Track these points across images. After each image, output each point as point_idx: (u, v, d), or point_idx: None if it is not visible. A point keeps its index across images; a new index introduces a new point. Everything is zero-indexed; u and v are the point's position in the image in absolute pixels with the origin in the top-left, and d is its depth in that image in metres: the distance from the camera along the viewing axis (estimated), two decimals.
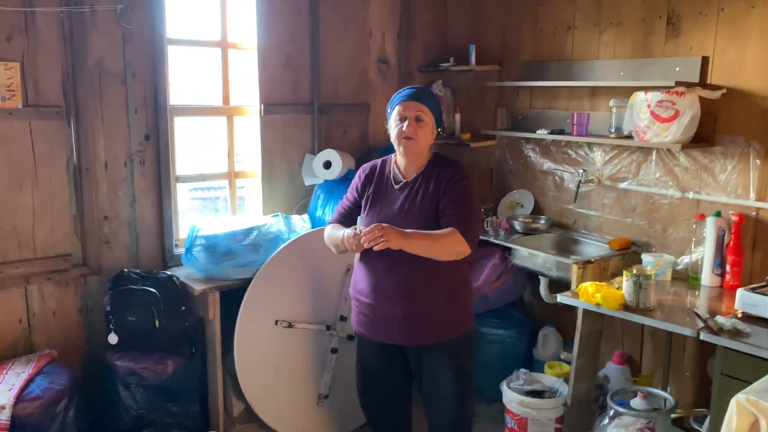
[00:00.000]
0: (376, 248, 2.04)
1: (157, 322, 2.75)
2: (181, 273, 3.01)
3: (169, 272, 2.97)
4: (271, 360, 2.98)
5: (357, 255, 2.22)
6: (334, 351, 3.12)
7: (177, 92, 3.19)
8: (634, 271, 2.47)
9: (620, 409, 2.44)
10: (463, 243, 2.15)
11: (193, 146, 3.42)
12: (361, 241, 2.06)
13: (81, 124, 2.84)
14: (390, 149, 3.59)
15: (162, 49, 3.01)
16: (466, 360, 2.36)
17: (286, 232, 3.09)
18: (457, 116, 3.88)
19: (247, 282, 2.90)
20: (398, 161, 2.34)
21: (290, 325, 2.99)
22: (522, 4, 3.55)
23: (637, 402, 2.45)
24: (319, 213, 3.36)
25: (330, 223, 2.45)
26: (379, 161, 2.42)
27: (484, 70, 3.69)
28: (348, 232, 2.16)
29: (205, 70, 3.38)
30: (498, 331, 3.43)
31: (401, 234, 2.08)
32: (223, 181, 3.48)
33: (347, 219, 2.39)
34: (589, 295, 2.58)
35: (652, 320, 2.41)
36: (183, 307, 2.89)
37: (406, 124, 2.20)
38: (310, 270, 3.04)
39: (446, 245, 2.14)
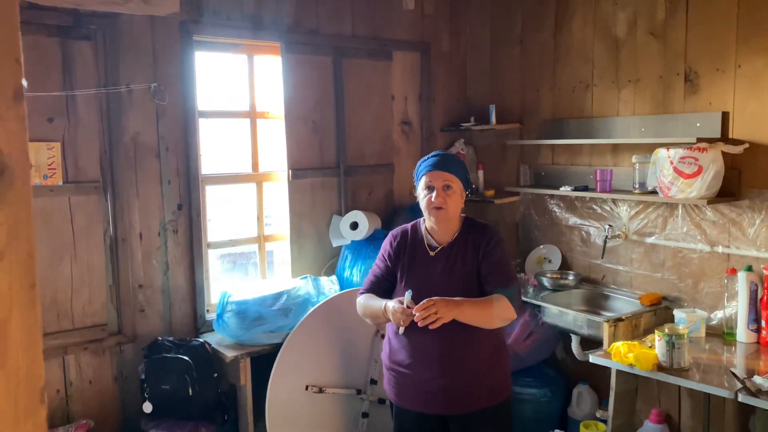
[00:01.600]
0: (431, 327, 2.02)
1: (190, 390, 2.78)
2: (212, 339, 3.05)
3: (201, 339, 3.03)
4: (302, 425, 2.97)
5: (401, 329, 2.15)
6: (365, 415, 3.11)
7: (208, 162, 3.32)
8: (666, 331, 2.44)
9: None
10: (511, 309, 2.15)
11: (224, 211, 3.51)
12: (415, 318, 2.02)
13: (117, 197, 2.96)
14: (415, 207, 3.70)
15: (193, 122, 3.15)
16: (507, 424, 2.32)
17: (315, 295, 3.13)
18: (480, 173, 3.93)
19: (277, 347, 2.94)
20: (430, 227, 2.31)
21: (321, 390, 3.00)
22: (539, 64, 3.63)
23: None
24: (347, 274, 3.40)
25: (363, 292, 2.36)
26: (408, 226, 2.38)
27: (505, 128, 3.75)
28: (393, 305, 2.11)
29: (236, 139, 3.51)
30: (531, 390, 3.38)
31: (453, 304, 2.06)
32: (253, 245, 3.55)
33: (381, 287, 2.33)
34: (621, 355, 2.54)
35: (687, 381, 2.37)
36: (215, 374, 2.92)
37: (434, 194, 2.19)
38: (339, 333, 3.06)
39: (496, 312, 2.14)
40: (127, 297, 3.01)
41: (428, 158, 2.30)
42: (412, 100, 3.90)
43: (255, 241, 3.54)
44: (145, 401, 2.81)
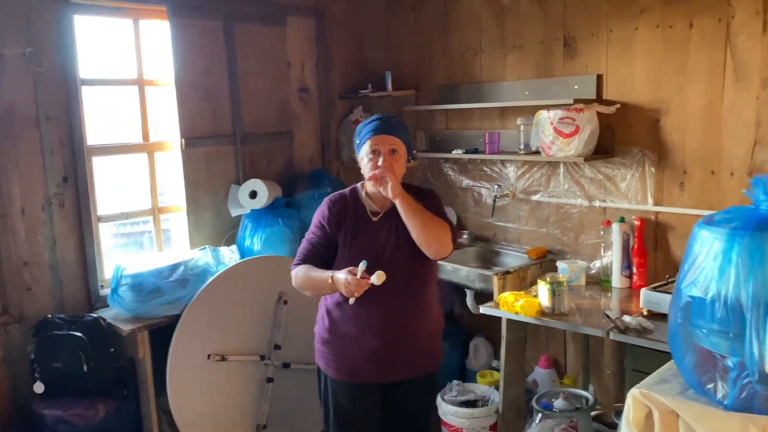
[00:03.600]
0: (381, 187, 2.08)
1: (85, 366, 2.71)
2: (108, 314, 2.97)
3: (95, 314, 2.93)
4: (206, 395, 2.97)
5: (352, 299, 2.06)
6: (270, 380, 3.14)
7: (96, 132, 3.17)
8: (548, 279, 2.62)
9: (542, 411, 2.57)
10: (449, 237, 2.15)
11: (115, 183, 3.38)
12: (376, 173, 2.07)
13: None
14: (316, 175, 3.73)
15: (75, 90, 3.00)
16: (436, 389, 2.42)
17: (214, 265, 3.10)
18: None
19: (176, 318, 2.90)
20: (371, 192, 2.23)
21: (223, 358, 3.00)
22: (432, 31, 3.72)
23: (559, 403, 2.59)
24: (247, 243, 3.38)
25: (297, 264, 2.24)
26: (347, 192, 2.30)
27: (401, 95, 3.83)
28: (345, 276, 2.02)
29: (124, 109, 3.37)
30: None
31: (401, 189, 2.09)
32: (148, 217, 3.45)
33: (319, 257, 2.22)
34: (509, 304, 2.72)
35: (566, 324, 2.57)
36: (112, 349, 2.85)
37: (381, 159, 2.12)
38: (240, 301, 3.06)
39: (436, 228, 2.13)
40: (11, 275, 2.86)
41: (371, 121, 2.20)
42: (308, 67, 3.88)
43: (149, 214, 3.44)
44: (36, 381, 2.70)
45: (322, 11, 3.89)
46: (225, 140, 3.52)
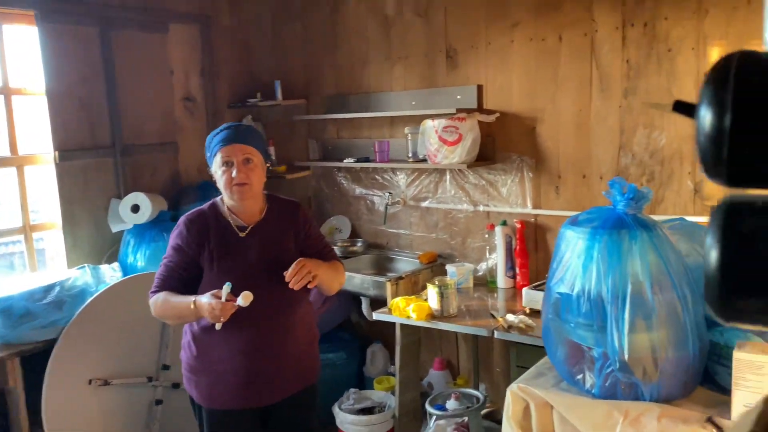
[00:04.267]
0: (310, 286, 2.01)
1: None
2: None
3: None
4: (88, 423, 2.80)
5: (219, 325, 1.92)
6: (158, 402, 3.01)
7: None
8: (437, 282, 2.69)
9: (435, 412, 2.63)
10: (344, 274, 2.25)
11: None
12: (290, 284, 1.94)
13: None
14: (205, 186, 3.62)
15: None
16: (317, 402, 2.31)
17: (93, 284, 2.93)
18: (272, 149, 3.94)
19: (53, 343, 2.71)
20: (233, 207, 2.11)
21: (106, 383, 2.84)
22: (320, 41, 3.73)
23: (451, 403, 2.66)
24: (131, 259, 3.23)
25: (155, 291, 2.07)
26: (205, 208, 2.13)
27: (291, 104, 3.81)
28: (209, 301, 1.88)
29: None
30: (329, 354, 3.52)
31: (314, 263, 2.03)
32: (19, 236, 3.21)
33: (179, 282, 2.06)
34: (401, 309, 2.76)
35: (454, 325, 2.65)
36: None
37: (234, 169, 2.01)
38: (123, 321, 2.90)
39: (340, 275, 2.22)
40: None
41: (220, 131, 2.08)
42: (193, 76, 3.78)
43: (20, 232, 3.19)
44: None
45: (207, 18, 3.80)
46: (103, 152, 3.34)
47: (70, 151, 3.20)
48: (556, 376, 1.76)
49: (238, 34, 3.99)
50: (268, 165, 2.16)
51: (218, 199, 2.16)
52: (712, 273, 0.51)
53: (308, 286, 2.01)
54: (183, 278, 2.06)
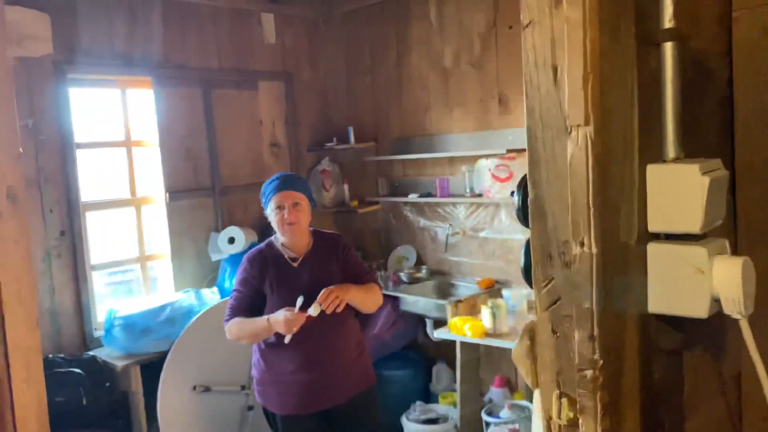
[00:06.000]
0: (338, 310, 2.29)
1: (84, 400, 3.02)
2: (102, 353, 3.30)
3: (92, 353, 3.26)
4: (193, 423, 3.29)
5: (289, 337, 2.27)
6: (250, 408, 3.47)
7: (89, 189, 3.56)
8: (489, 304, 3.04)
9: (489, 419, 2.95)
10: (380, 294, 2.56)
11: (107, 234, 3.75)
12: (323, 306, 2.25)
13: None
14: None
15: (71, 153, 3.39)
16: (378, 404, 2.66)
17: (197, 305, 3.46)
18: (346, 186, 4.44)
19: (165, 354, 3.24)
20: (285, 242, 2.50)
21: (207, 389, 3.33)
22: (387, 90, 4.21)
23: (504, 412, 2.97)
24: (227, 284, 3.75)
25: (230, 319, 2.44)
26: (263, 246, 2.54)
27: (362, 147, 4.29)
28: (285, 314, 2.24)
29: (114, 167, 3.77)
30: (397, 372, 3.90)
31: (343, 288, 2.34)
32: (136, 264, 3.81)
33: (250, 310, 2.42)
34: (458, 328, 3.12)
35: (505, 342, 2.98)
36: (107, 383, 3.17)
37: (286, 212, 2.42)
38: (221, 337, 3.37)
39: (374, 294, 2.51)
40: None
41: (273, 181, 2.50)
42: (279, 124, 4.34)
43: (137, 261, 3.80)
44: None
45: (290, 74, 4.37)
46: (205, 193, 3.93)
47: (178, 192, 3.80)
48: None
49: (316, 86, 4.54)
50: (313, 206, 2.55)
51: (272, 237, 2.56)
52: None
53: (336, 310, 2.30)
54: (251, 304, 2.44)
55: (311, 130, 4.51)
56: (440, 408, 3.61)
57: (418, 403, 3.60)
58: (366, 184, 4.42)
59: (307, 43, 4.49)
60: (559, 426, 0.80)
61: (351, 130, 4.26)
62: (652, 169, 0.76)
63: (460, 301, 3.46)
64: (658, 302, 0.78)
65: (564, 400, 0.79)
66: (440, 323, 3.63)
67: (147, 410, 3.24)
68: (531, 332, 0.93)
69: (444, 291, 3.93)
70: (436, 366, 4.01)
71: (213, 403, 3.37)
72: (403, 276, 3.99)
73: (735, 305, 0.74)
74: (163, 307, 3.37)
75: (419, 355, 4.10)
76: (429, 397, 3.94)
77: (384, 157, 4.21)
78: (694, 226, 0.73)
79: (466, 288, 3.80)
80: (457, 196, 3.76)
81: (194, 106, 3.88)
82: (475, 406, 3.50)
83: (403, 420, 3.52)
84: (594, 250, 0.74)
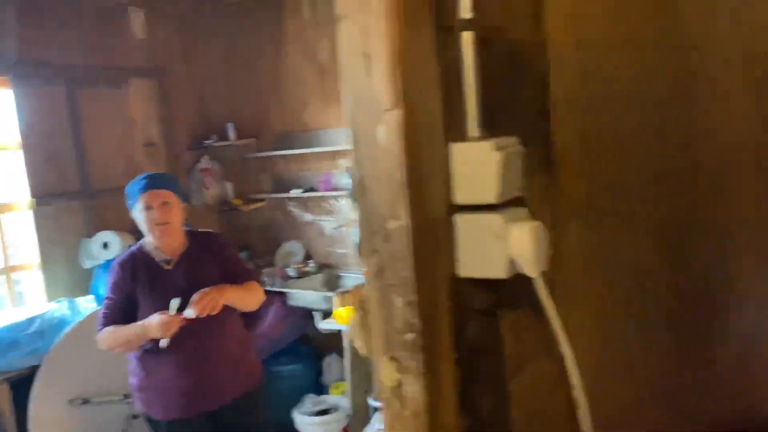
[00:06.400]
0: (213, 312, 2.22)
1: None
2: None
3: None
4: None
5: (166, 341, 2.19)
6: (135, 417, 3.35)
7: None
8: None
9: (378, 405, 3.04)
10: (261, 290, 2.50)
11: None
12: (196, 311, 2.17)
13: None
14: None
15: None
16: (266, 401, 2.65)
17: (70, 315, 3.29)
18: (229, 184, 4.37)
19: (36, 369, 3.06)
20: (156, 244, 2.38)
21: (87, 401, 3.18)
22: (266, 85, 4.19)
23: None
24: (102, 291, 3.59)
25: (102, 327, 2.32)
26: (134, 250, 2.43)
27: (244, 143, 4.24)
28: (160, 317, 2.18)
29: None
30: (288, 366, 3.91)
31: (219, 290, 2.26)
32: (0, 277, 3.56)
33: (124, 317, 2.31)
34: (343, 318, 3.18)
35: None
36: None
37: (155, 212, 2.30)
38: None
39: (254, 292, 2.44)
40: None
41: (140, 181, 2.38)
42: (153, 123, 4.19)
43: (2, 273, 3.55)
44: None
45: (163, 70, 4.23)
46: (74, 196, 3.73)
47: (45, 197, 3.58)
48: None
49: (192, 82, 4.43)
50: (184, 204, 2.45)
51: (142, 240, 2.43)
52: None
53: (212, 312, 2.24)
54: (124, 310, 2.32)
55: (189, 128, 4.40)
56: (331, 399, 3.66)
57: (309, 395, 3.63)
58: (249, 181, 4.38)
59: (179, 37, 4.36)
60: (389, 388, 0.87)
61: (231, 126, 4.20)
62: (455, 148, 0.84)
63: (347, 291, 3.53)
64: (466, 267, 0.86)
65: (391, 364, 0.85)
66: (329, 315, 3.69)
67: (19, 430, 3.04)
68: (363, 305, 0.99)
69: (332, 283, 3.98)
70: (327, 358, 4.06)
71: (93, 415, 3.22)
72: (291, 271, 4.00)
73: (527, 265, 0.84)
74: (31, 320, 3.17)
75: (310, 349, 4.13)
76: (321, 389, 3.98)
77: (266, 153, 4.19)
78: (491, 197, 0.82)
79: (353, 279, 3.87)
80: (340, 190, 3.82)
81: (58, 105, 3.67)
82: (366, 393, 3.58)
83: (294, 414, 3.54)
84: (409, 223, 0.81)
